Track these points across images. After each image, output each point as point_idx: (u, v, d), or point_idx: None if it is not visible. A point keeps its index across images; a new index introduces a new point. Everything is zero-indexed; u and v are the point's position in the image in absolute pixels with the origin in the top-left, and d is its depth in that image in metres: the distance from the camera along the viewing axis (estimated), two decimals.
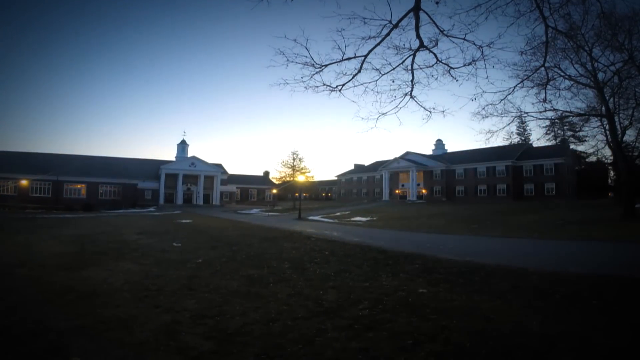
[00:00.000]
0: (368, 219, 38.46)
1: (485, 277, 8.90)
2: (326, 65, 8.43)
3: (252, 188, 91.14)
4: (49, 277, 9.62)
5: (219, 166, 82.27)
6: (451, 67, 8.62)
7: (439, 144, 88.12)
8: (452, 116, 14.94)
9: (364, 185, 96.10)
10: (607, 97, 28.00)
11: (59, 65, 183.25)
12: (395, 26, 7.65)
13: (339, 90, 8.92)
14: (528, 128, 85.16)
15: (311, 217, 40.50)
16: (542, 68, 10.70)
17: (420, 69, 8.77)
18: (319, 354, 4.85)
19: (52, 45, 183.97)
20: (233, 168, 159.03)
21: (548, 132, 60.89)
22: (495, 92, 11.11)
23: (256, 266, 11.16)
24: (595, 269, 9.48)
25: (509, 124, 25.51)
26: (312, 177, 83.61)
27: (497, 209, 41.06)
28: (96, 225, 27.60)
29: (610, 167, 67.54)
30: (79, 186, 65.50)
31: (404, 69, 8.78)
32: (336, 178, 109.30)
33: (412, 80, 8.84)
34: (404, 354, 4.79)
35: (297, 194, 70.89)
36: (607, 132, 32.25)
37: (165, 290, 8.23)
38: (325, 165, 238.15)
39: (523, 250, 14.44)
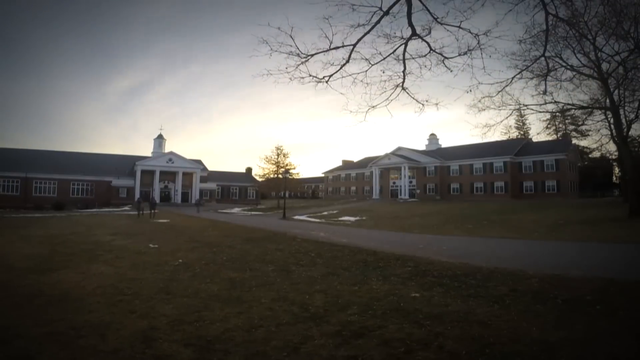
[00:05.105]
0: (357, 218, 38.60)
1: (482, 281, 8.95)
2: (312, 55, 8.44)
3: (234, 186, 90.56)
4: (18, 281, 9.56)
5: (199, 162, 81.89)
6: (445, 57, 8.66)
7: (433, 138, 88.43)
8: (447, 109, 15.05)
9: (352, 182, 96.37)
10: (611, 89, 28.23)
11: (24, 53, 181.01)
12: (386, 13, 7.66)
13: (326, 82, 8.92)
14: (527, 122, 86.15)
15: (297, 217, 40.57)
16: (542, 58, 10.78)
17: (413, 58, 8.81)
18: None
19: (18, 33, 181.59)
20: (213, 164, 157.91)
21: (549, 126, 61.29)
22: (492, 84, 11.20)
23: (238, 269, 11.15)
24: (599, 272, 9.54)
25: (507, 118, 25.83)
26: (298, 174, 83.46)
27: (495, 208, 41.36)
28: (68, 225, 27.36)
29: (614, 164, 68.36)
30: (49, 184, 64.93)
31: (395, 59, 8.81)
32: (323, 175, 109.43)
33: (403, 71, 8.87)
34: None
35: (281, 192, 70.79)
36: (612, 126, 32.61)
37: (141, 295, 8.20)
38: (312, 161, 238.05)
39: (522, 251, 14.55)
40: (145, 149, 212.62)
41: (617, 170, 70.58)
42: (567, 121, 69.16)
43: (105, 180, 69.12)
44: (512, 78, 11.43)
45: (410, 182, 78.58)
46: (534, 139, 67.63)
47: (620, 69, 26.20)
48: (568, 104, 29.77)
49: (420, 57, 8.75)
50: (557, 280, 8.70)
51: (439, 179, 75.40)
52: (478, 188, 69.98)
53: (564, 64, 24.03)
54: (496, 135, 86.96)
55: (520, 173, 66.48)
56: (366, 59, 8.77)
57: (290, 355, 5.05)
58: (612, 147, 46.18)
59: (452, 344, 5.23)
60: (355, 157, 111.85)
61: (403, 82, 9.00)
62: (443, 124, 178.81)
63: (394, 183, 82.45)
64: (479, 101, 17.87)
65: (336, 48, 8.35)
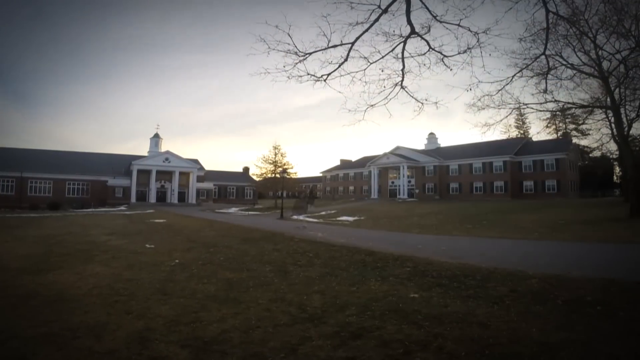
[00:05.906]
0: (355, 218, 38.56)
1: (481, 281, 8.95)
2: (310, 54, 8.44)
3: (231, 185, 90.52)
4: (13, 281, 9.57)
5: (195, 162, 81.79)
6: (445, 55, 8.67)
7: (432, 138, 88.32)
8: (446, 108, 15.00)
9: (351, 182, 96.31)
10: (612, 88, 28.19)
11: (19, 50, 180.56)
12: (385, 11, 7.67)
13: (324, 80, 8.92)
14: (527, 121, 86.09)
15: (294, 217, 40.49)
16: (543, 56, 10.81)
17: (412, 57, 8.81)
18: None
19: (13, 30, 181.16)
20: (210, 164, 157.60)
21: (549, 125, 61.28)
22: (492, 82, 11.23)
23: (235, 269, 11.16)
24: (599, 272, 9.50)
25: (506, 117, 25.59)
26: (296, 173, 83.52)
27: (494, 208, 41.30)
28: (63, 225, 27.34)
29: (615, 163, 68.39)
30: (44, 183, 64.85)
31: (394, 58, 8.82)
32: (321, 175, 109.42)
33: (402, 70, 8.87)
34: None
35: (279, 192, 70.73)
36: (613, 125, 32.63)
37: (137, 295, 8.20)
38: (310, 161, 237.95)
39: (522, 251, 14.51)
40: (141, 148, 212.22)
41: (617, 169, 70.66)
42: (567, 120, 69.34)
43: (101, 179, 69.06)
44: (512, 77, 11.46)
45: (409, 181, 78.56)
46: (534, 138, 67.51)
47: (621, 68, 26.18)
48: (568, 103, 29.71)
49: (419, 55, 8.76)
50: (557, 281, 8.69)
51: (438, 179, 75.41)
52: (477, 188, 69.95)
53: (564, 63, 24.03)
54: (496, 135, 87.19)
55: (520, 172, 66.43)
56: (365, 58, 8.78)
57: (288, 356, 5.05)
58: (612, 147, 46.21)
59: (451, 345, 5.23)
60: (354, 157, 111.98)
61: (402, 80, 9.00)
62: (442, 123, 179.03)
63: (392, 183, 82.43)
64: (479, 100, 17.91)
65: (334, 46, 8.35)
